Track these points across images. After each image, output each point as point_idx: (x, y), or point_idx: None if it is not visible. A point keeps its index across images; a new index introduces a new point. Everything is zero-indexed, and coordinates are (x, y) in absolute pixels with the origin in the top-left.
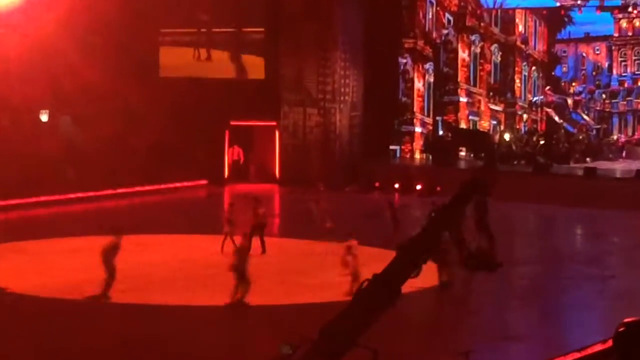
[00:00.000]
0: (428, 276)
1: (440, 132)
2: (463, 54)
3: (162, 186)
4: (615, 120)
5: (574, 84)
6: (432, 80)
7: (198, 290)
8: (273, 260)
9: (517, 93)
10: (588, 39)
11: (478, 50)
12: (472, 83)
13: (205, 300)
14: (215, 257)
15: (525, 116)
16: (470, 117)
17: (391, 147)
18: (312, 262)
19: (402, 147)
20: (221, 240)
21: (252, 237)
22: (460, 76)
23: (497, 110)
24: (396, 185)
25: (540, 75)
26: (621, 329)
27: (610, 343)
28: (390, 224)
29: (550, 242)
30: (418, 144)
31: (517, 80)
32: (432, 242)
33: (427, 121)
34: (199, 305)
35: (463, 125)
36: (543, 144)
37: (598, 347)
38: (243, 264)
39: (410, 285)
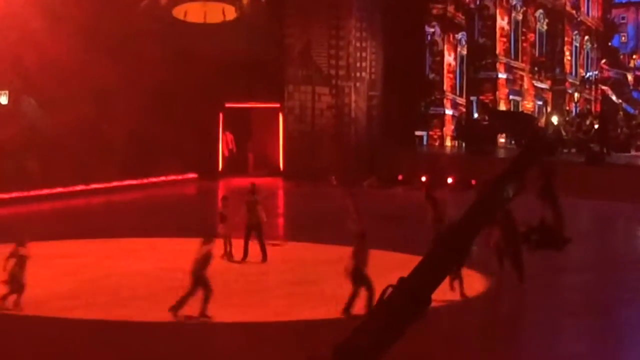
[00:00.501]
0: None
1: (475, 115)
2: (502, 22)
3: (144, 181)
4: None
5: (634, 56)
6: (465, 53)
7: (192, 303)
8: (276, 269)
9: (567, 68)
10: None
11: (520, 16)
12: (512, 56)
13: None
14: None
15: (576, 95)
16: (511, 97)
17: (417, 133)
18: (324, 271)
19: (430, 133)
20: (221, 244)
21: (247, 240)
22: (499, 48)
23: (542, 89)
24: (423, 179)
25: (595, 46)
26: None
27: None
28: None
29: (608, 245)
30: (449, 129)
31: (567, 53)
32: (482, 224)
33: (460, 102)
34: (193, 323)
35: (502, 107)
36: (598, 128)
37: None
38: (203, 271)
39: (440, 299)
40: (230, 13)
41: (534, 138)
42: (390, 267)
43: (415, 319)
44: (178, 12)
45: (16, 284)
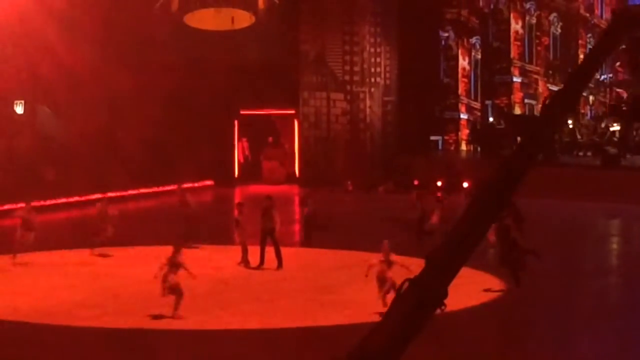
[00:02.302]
0: (474, 293)
1: (491, 119)
2: (516, 26)
3: (159, 189)
4: None
5: None
6: (479, 57)
7: (205, 311)
8: (292, 275)
9: None
10: None
11: (534, 20)
12: (527, 60)
13: (217, 324)
14: (224, 271)
15: (591, 98)
16: (526, 101)
17: (432, 137)
18: (340, 276)
19: (446, 137)
20: (240, 251)
21: (263, 246)
22: (513, 52)
23: None
24: (439, 183)
25: None
26: None
27: None
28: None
29: (625, 249)
30: (464, 133)
31: (581, 56)
32: (486, 223)
33: (475, 106)
34: (210, 330)
35: (517, 111)
36: (613, 131)
37: None
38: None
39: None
40: (247, 19)
41: (529, 138)
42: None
43: (431, 314)
44: (190, 19)
45: (178, 290)
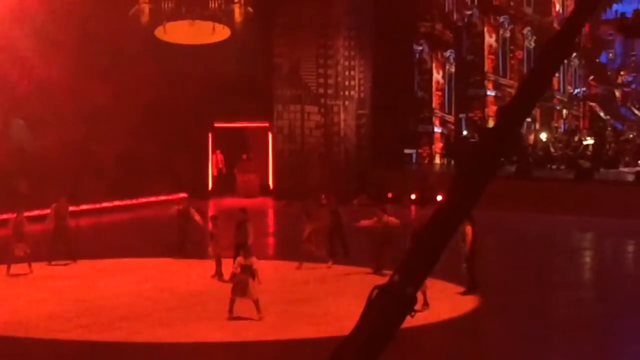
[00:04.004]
0: (439, 308)
1: (465, 133)
2: (490, 39)
3: (134, 201)
4: None
5: (622, 72)
6: (453, 70)
7: (179, 323)
8: (267, 288)
9: (555, 85)
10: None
11: (508, 34)
12: (501, 73)
13: (191, 337)
14: (198, 283)
15: (564, 112)
16: None
17: (406, 151)
18: (315, 289)
19: (420, 150)
20: (214, 264)
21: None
22: (487, 65)
23: None
24: (413, 197)
25: (582, 63)
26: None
27: None
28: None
29: (598, 262)
30: (438, 146)
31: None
32: (455, 223)
33: (449, 119)
34: (184, 342)
35: (491, 124)
36: (586, 145)
37: None
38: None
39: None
40: (222, 33)
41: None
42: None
43: (402, 320)
44: (160, 32)
45: (240, 291)
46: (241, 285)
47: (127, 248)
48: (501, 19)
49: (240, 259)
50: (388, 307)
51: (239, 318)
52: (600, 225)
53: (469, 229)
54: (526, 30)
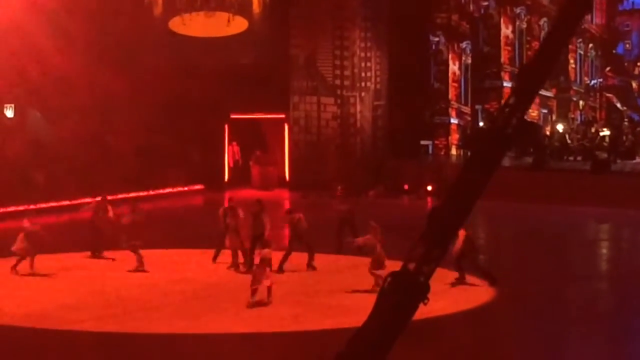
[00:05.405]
0: (456, 299)
1: (481, 124)
2: (506, 30)
3: (150, 193)
4: None
5: (639, 63)
6: (469, 62)
7: (193, 314)
8: (281, 279)
9: (572, 76)
10: None
11: (524, 25)
12: (517, 65)
13: (205, 328)
14: (213, 275)
15: (581, 103)
16: None
17: (422, 142)
18: (330, 281)
19: (436, 142)
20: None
21: (252, 251)
22: (504, 56)
23: (547, 97)
24: (429, 188)
25: (599, 54)
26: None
27: None
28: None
29: (615, 253)
30: (454, 138)
31: (572, 61)
32: (466, 210)
33: (465, 111)
34: (198, 333)
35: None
36: (603, 136)
37: None
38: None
39: (433, 309)
40: (241, 25)
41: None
42: None
43: (416, 308)
44: (175, 25)
45: (256, 282)
46: (259, 276)
47: (143, 239)
48: (518, 10)
49: (258, 251)
50: (401, 295)
51: (258, 304)
52: (616, 217)
53: (461, 233)
54: (543, 21)
